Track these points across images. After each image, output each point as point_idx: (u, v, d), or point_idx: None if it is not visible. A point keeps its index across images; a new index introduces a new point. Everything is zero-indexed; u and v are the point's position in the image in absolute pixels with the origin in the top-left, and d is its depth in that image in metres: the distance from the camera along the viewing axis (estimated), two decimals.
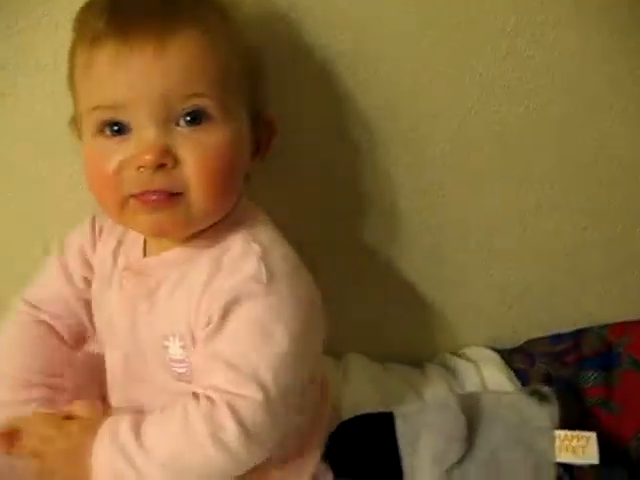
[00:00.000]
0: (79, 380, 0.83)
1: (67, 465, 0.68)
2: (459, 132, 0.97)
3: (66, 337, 0.84)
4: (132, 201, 0.69)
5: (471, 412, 0.83)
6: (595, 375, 0.98)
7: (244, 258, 0.71)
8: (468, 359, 1.08)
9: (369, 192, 1.01)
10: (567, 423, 0.84)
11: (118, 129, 0.67)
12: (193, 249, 0.74)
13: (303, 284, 0.73)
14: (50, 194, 0.94)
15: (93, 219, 0.85)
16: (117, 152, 0.67)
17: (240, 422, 0.65)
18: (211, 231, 0.73)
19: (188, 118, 0.67)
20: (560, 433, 0.81)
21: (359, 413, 0.86)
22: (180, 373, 0.73)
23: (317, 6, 0.87)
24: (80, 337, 0.85)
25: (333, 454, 0.81)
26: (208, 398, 0.66)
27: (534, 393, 0.87)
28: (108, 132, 0.68)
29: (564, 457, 0.80)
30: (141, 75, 0.65)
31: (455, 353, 1.12)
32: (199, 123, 0.67)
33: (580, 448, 0.80)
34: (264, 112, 0.76)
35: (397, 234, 1.05)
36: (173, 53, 0.64)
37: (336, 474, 0.84)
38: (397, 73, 0.92)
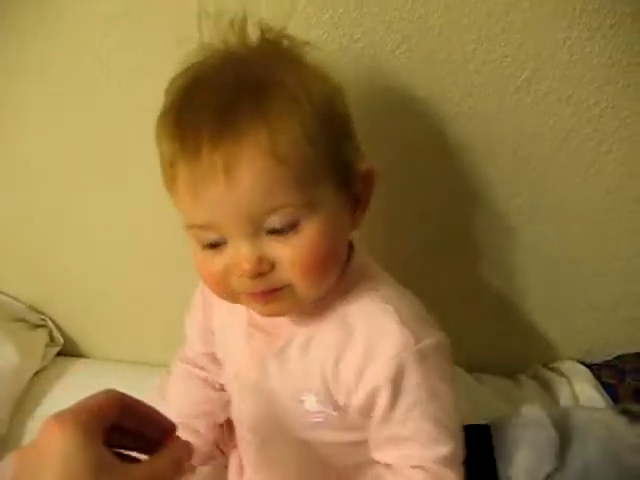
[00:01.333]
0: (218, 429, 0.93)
1: None
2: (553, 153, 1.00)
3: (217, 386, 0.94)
4: (243, 295, 0.71)
5: (563, 428, 0.87)
6: None
7: (386, 326, 0.72)
8: (560, 373, 1.12)
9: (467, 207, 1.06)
10: None
11: (214, 243, 0.68)
12: (318, 308, 0.75)
13: (433, 323, 0.76)
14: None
15: (201, 289, 0.90)
16: (219, 259, 0.69)
17: (453, 467, 0.73)
18: (333, 290, 0.74)
19: (279, 228, 0.66)
20: None
21: None
22: (317, 422, 0.77)
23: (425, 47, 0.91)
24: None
25: None
26: (416, 465, 0.72)
27: (625, 412, 0.91)
28: (206, 246, 0.69)
29: None
30: (217, 203, 0.65)
31: (547, 366, 1.16)
32: (288, 232, 0.66)
33: None
34: (357, 167, 0.72)
35: (489, 248, 1.09)
36: (242, 181, 0.63)
37: None
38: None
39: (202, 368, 0.94)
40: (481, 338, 1.15)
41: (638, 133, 0.97)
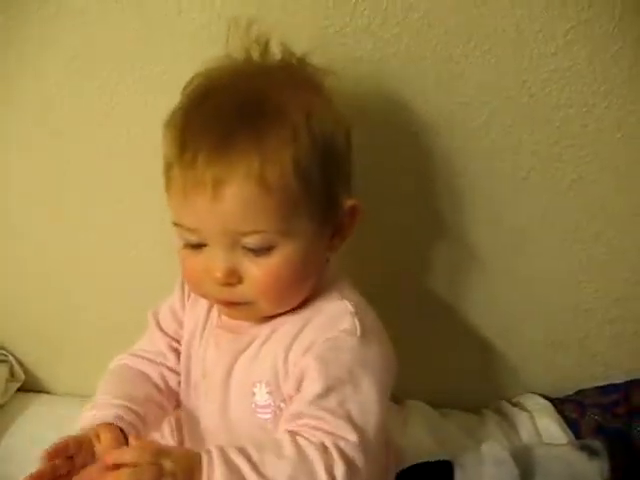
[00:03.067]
0: (158, 424, 0.90)
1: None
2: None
3: (160, 385, 0.89)
4: (210, 297, 0.79)
5: (525, 464, 0.89)
6: None
7: (339, 314, 0.76)
8: (523, 408, 1.13)
9: (431, 240, 1.08)
10: (617, 474, 0.89)
11: (196, 244, 0.74)
12: (283, 311, 0.79)
13: (387, 343, 0.78)
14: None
15: (182, 283, 0.91)
16: (198, 259, 0.74)
17: (347, 460, 0.68)
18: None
19: (255, 248, 0.72)
20: None
21: (419, 461, 0.91)
22: (264, 419, 0.78)
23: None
24: (172, 393, 0.90)
25: None
26: (315, 437, 0.69)
27: (584, 448, 0.92)
28: (188, 245, 0.75)
29: None
30: (203, 213, 0.70)
31: (510, 401, 1.16)
32: (260, 253, 0.72)
33: None
34: (343, 203, 0.77)
35: (457, 282, 1.11)
36: (227, 200, 0.68)
37: None
38: None
39: (159, 363, 0.90)
40: (444, 372, 1.16)
41: (596, 172, 1.00)
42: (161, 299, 0.94)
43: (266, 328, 0.80)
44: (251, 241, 0.71)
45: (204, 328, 0.87)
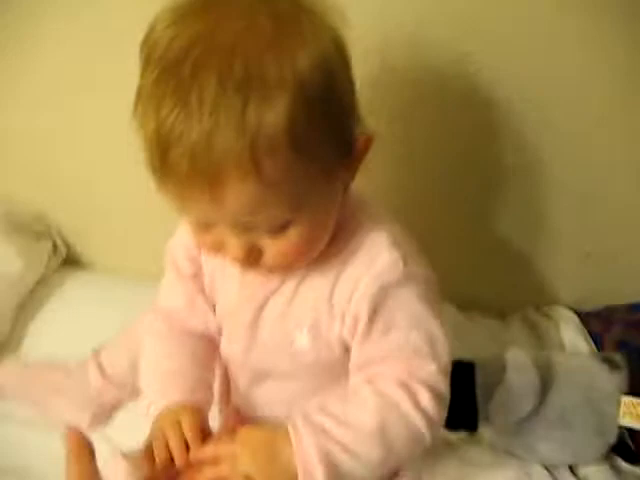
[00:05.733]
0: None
1: (265, 469, 0.67)
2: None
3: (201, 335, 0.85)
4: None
5: (546, 372, 0.90)
6: None
7: (377, 246, 0.72)
8: (549, 317, 1.15)
9: (470, 150, 1.06)
10: (635, 389, 0.90)
11: (206, 225, 0.67)
12: None
13: (423, 259, 0.75)
14: None
15: None
16: (210, 237, 0.68)
17: (430, 388, 0.70)
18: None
19: (267, 229, 0.65)
20: (626, 399, 0.88)
21: None
22: (305, 361, 0.76)
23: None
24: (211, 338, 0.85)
25: None
26: (392, 377, 0.70)
27: (606, 360, 0.93)
28: (197, 225, 0.68)
29: (627, 421, 0.88)
30: (207, 211, 0.63)
31: (537, 309, 1.18)
32: (276, 232, 0.65)
33: None
34: (355, 141, 0.69)
35: (491, 186, 1.10)
36: (229, 202, 0.60)
37: None
38: None
39: (185, 321, 0.85)
40: (475, 276, 1.16)
41: None
42: None
43: (297, 271, 0.75)
44: (264, 226, 0.64)
45: (224, 265, 0.79)
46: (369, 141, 0.70)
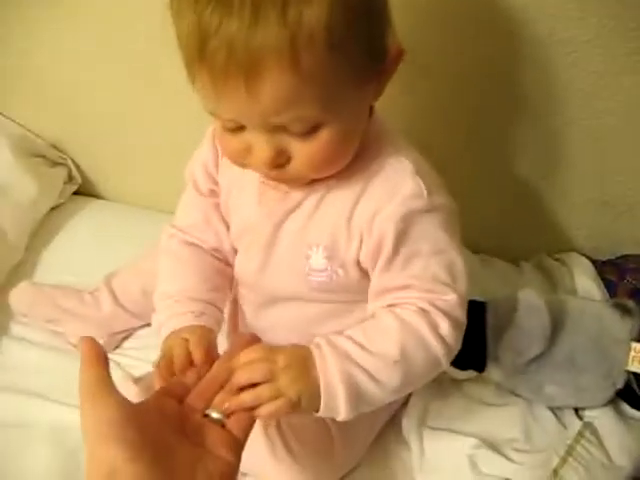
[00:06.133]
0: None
1: (297, 380, 0.67)
2: None
3: (218, 255, 0.87)
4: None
5: (557, 315, 0.90)
6: None
7: (400, 174, 0.72)
8: (563, 263, 1.14)
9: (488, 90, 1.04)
10: None
11: (236, 127, 0.67)
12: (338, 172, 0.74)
13: (445, 191, 0.75)
14: None
15: (214, 137, 0.83)
16: (239, 141, 0.68)
17: (449, 317, 0.71)
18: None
19: (299, 131, 0.65)
20: (636, 345, 0.88)
21: None
22: (319, 282, 0.77)
23: None
24: (224, 257, 0.87)
25: None
26: (412, 304, 0.72)
27: (618, 306, 0.93)
28: (227, 129, 0.68)
29: (635, 367, 0.88)
30: (240, 106, 0.63)
31: (552, 256, 1.17)
32: (306, 134, 0.65)
33: None
34: (387, 49, 0.68)
35: (514, 131, 1.08)
36: (264, 95, 0.60)
37: None
38: None
39: (200, 238, 0.86)
40: (491, 220, 1.16)
41: None
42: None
43: (319, 188, 0.75)
44: (295, 127, 0.64)
45: (242, 181, 0.81)
46: (400, 52, 0.69)
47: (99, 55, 1.13)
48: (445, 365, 0.73)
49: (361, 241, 0.74)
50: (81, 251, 1.18)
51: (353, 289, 0.77)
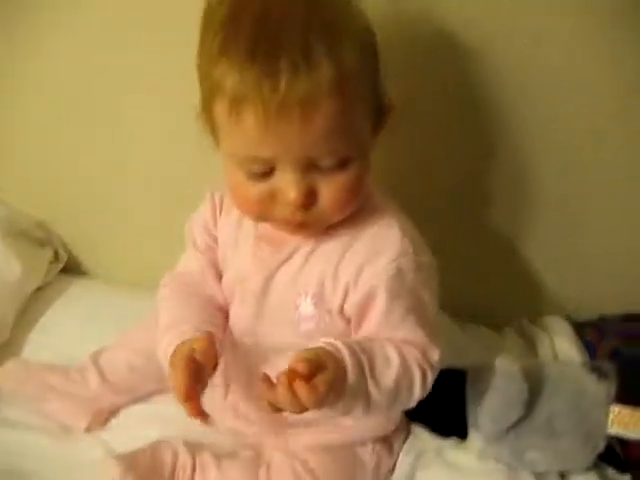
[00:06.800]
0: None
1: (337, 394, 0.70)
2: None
3: (213, 302, 0.91)
4: (278, 220, 0.77)
5: (534, 381, 0.91)
6: None
7: (388, 232, 0.79)
8: (544, 328, 1.15)
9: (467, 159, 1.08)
10: (627, 398, 0.91)
11: (264, 173, 0.72)
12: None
13: (428, 249, 0.82)
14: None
15: (212, 195, 0.91)
16: (263, 187, 0.73)
17: (433, 370, 0.79)
18: None
19: (330, 166, 0.71)
20: (615, 408, 0.89)
21: None
22: (308, 330, 0.81)
23: None
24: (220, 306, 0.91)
25: None
26: (410, 347, 0.78)
27: (595, 368, 0.94)
28: (253, 175, 0.73)
29: (616, 430, 0.88)
30: (288, 141, 0.68)
31: (533, 320, 1.19)
32: (335, 170, 0.72)
33: (632, 423, 0.88)
34: (384, 100, 0.77)
35: (493, 197, 1.12)
36: (317, 124, 0.67)
37: (410, 419, 0.97)
38: None
39: (198, 285, 0.91)
40: (469, 287, 1.17)
41: None
42: (195, 196, 0.95)
43: (310, 242, 0.81)
44: (329, 161, 0.71)
45: (237, 237, 0.87)
46: (392, 106, 0.78)
47: (84, 136, 1.16)
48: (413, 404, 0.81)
49: (346, 291, 0.79)
50: (68, 330, 1.17)
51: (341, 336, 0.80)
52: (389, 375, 0.75)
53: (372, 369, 0.73)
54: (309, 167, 0.71)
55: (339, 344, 0.72)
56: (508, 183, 1.09)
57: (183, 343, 0.79)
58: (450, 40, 0.95)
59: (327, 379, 0.67)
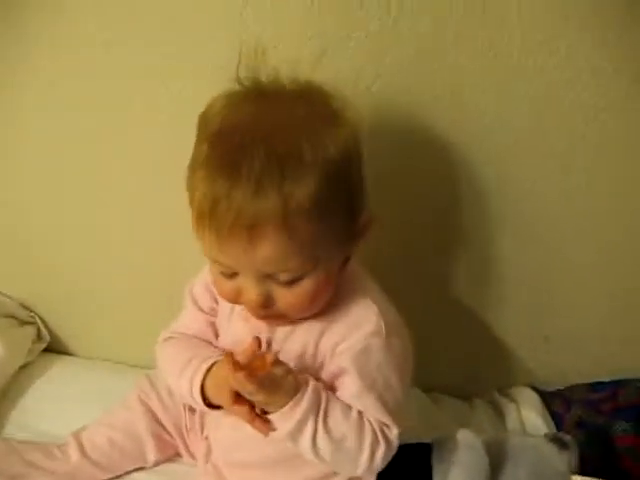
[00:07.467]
0: None
1: (281, 399, 0.79)
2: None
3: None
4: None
5: (496, 452, 0.94)
6: (627, 425, 1.07)
7: (364, 314, 0.84)
8: (512, 399, 1.18)
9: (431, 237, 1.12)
10: (589, 468, 0.93)
11: (231, 273, 0.79)
12: None
13: (406, 334, 0.87)
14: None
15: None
16: (232, 284, 0.80)
17: (389, 446, 0.83)
18: None
19: (286, 280, 0.77)
20: (576, 478, 0.91)
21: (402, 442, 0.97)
22: None
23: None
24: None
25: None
26: (371, 418, 0.83)
27: (556, 440, 0.97)
28: (221, 272, 0.80)
29: None
30: (240, 258, 0.75)
31: (501, 391, 1.22)
32: (292, 283, 0.77)
33: None
34: (361, 219, 0.81)
35: (463, 272, 1.15)
36: (264, 248, 0.73)
37: None
38: None
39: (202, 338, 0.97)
40: (443, 361, 1.21)
41: None
42: (186, 273, 0.98)
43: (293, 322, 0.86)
44: (284, 276, 0.76)
45: (232, 307, 0.92)
46: (371, 220, 0.82)
47: (67, 216, 1.18)
48: (360, 474, 0.85)
49: (323, 363, 0.85)
50: (50, 408, 1.18)
51: None
52: (341, 423, 0.81)
53: (327, 410, 0.80)
54: (266, 277, 0.77)
55: (312, 379, 0.81)
56: (476, 261, 1.14)
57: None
58: None
59: (266, 382, 0.76)
